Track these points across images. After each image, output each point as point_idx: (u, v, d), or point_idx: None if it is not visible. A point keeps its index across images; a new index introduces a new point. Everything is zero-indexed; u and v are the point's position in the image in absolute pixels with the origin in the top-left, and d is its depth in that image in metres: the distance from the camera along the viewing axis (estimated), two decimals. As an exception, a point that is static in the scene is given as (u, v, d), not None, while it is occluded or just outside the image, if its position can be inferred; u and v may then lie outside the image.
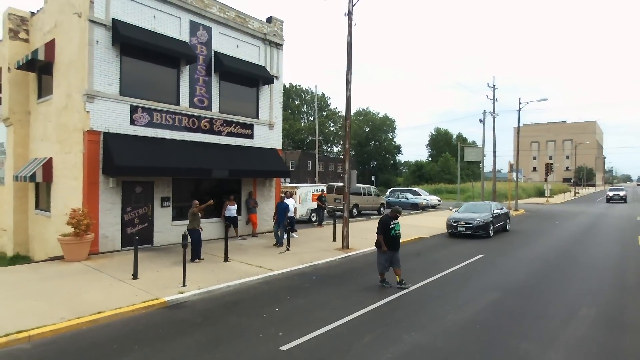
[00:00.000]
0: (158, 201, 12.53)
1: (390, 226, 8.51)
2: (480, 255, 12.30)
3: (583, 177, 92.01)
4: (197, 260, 10.32)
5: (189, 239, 9.10)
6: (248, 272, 9.38)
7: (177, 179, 13.00)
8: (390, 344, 5.59)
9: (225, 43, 14.36)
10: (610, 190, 45.15)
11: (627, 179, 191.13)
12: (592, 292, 8.37)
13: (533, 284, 9.05)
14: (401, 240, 8.88)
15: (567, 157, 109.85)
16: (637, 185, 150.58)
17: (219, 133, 14.13)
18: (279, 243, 12.85)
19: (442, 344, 5.67)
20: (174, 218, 12.91)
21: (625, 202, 41.19)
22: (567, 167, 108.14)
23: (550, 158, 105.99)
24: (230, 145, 14.37)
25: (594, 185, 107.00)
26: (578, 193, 64.25)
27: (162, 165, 11.67)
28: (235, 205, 13.89)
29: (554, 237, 16.46)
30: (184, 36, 13.11)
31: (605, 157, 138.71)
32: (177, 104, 13.02)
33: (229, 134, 14.47)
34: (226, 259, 10.39)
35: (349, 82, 12.86)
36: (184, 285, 8.08)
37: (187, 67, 13.20)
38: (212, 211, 13.34)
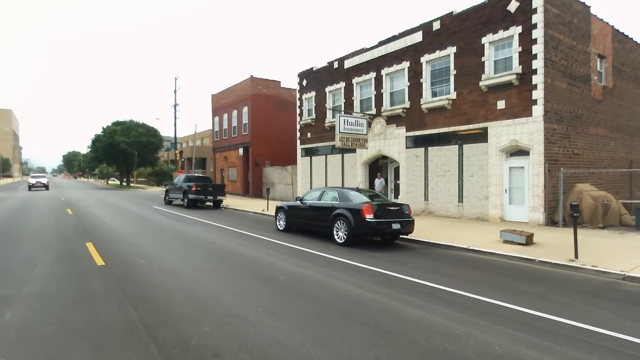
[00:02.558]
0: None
1: None
2: None
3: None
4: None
5: None
6: None
7: None
8: None
9: None
10: (32, 178, 46.39)
11: (42, 170, 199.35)
12: (45, 247, 9.36)
13: (-18, 253, 8.67)
14: None
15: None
16: (54, 175, 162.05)
17: None
18: None
19: None
20: None
21: (48, 189, 43.91)
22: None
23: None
24: None
25: (11, 177, 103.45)
26: (-4, 183, 60.25)
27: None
28: None
29: (-14, 218, 15.46)
30: None
31: (22, 148, 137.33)
32: None
33: None
34: None
35: None
36: None
37: None
38: None
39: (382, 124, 19.42)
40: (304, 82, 25.34)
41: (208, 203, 23.40)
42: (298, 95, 25.99)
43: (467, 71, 15.61)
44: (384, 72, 19.38)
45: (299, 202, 12.39)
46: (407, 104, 18.12)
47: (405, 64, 18.20)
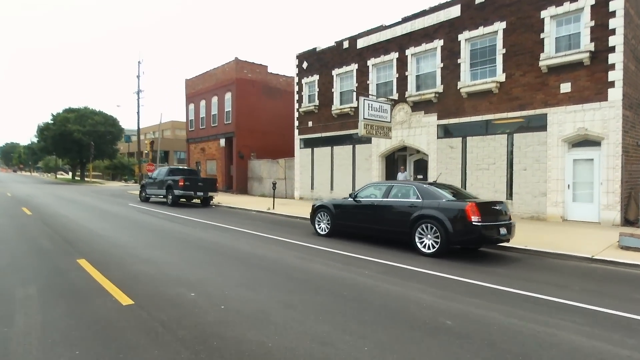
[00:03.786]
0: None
1: None
2: None
3: None
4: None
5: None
6: None
7: None
8: None
9: None
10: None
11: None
12: (17, 268, 6.14)
13: None
14: None
15: None
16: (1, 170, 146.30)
17: None
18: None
19: None
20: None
21: (-14, 182, 37.86)
22: None
23: None
24: None
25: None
26: None
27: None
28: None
29: None
30: None
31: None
32: None
33: None
34: None
35: None
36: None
37: None
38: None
39: (406, 111, 17.15)
40: (305, 65, 22.55)
41: (195, 200, 20.09)
42: (296, 80, 23.15)
43: (520, 50, 13.64)
44: (409, 52, 17.08)
45: (351, 199, 9.78)
46: (439, 88, 15.95)
47: (438, 43, 16.00)
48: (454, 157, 15.61)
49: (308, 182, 22.29)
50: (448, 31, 15.70)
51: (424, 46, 16.50)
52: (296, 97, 23.16)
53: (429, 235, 7.96)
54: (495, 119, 14.34)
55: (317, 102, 21.64)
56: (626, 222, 11.86)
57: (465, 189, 15.22)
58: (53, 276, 5.75)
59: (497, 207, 8.02)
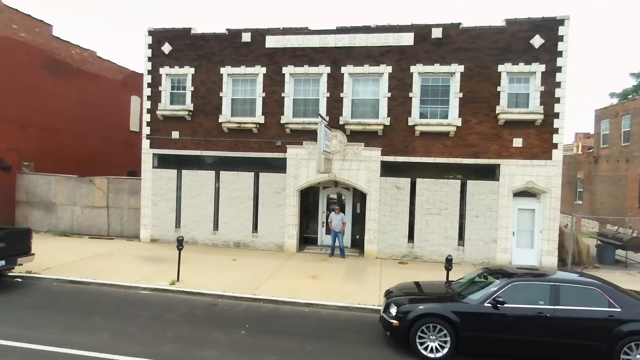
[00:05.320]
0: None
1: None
2: None
3: None
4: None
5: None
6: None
7: None
8: None
9: None
10: None
11: None
12: None
13: None
14: None
15: None
16: None
17: None
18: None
19: None
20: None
21: None
22: None
23: None
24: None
25: None
26: None
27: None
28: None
29: None
30: None
31: None
32: None
33: None
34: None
35: None
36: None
37: None
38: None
39: (340, 140, 14.45)
40: (166, 48, 15.59)
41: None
42: (149, 66, 15.76)
43: (476, 97, 13.71)
44: (345, 70, 14.39)
45: (487, 305, 6.80)
46: (385, 120, 14.18)
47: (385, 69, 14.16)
48: (400, 199, 14.25)
49: (170, 217, 15.59)
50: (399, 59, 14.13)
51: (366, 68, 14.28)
52: (147, 91, 15.74)
53: (637, 356, 6.37)
54: (448, 163, 13.97)
55: (190, 106, 15.35)
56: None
57: (414, 234, 14.19)
58: None
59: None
